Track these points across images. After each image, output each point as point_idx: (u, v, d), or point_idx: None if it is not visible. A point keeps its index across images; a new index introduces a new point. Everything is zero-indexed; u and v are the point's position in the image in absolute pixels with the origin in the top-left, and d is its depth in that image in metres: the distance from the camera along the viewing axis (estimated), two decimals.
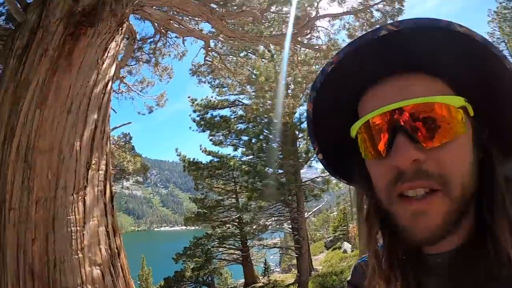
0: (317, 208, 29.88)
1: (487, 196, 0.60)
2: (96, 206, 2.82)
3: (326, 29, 9.29)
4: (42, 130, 2.76)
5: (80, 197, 2.70)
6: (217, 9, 5.85)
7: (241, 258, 21.62)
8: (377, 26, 0.82)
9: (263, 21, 8.04)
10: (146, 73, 10.33)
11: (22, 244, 2.62)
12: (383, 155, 0.60)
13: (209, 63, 10.22)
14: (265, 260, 24.36)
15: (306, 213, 20.76)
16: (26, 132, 2.74)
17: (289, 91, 11.88)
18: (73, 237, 2.63)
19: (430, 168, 0.57)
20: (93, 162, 2.83)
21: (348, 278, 0.85)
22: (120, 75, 9.06)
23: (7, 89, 3.05)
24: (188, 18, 7.23)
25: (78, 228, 2.67)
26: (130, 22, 5.08)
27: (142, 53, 9.35)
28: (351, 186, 0.81)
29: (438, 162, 0.57)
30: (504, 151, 0.63)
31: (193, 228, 25.45)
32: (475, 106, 0.61)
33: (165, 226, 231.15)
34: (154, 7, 5.43)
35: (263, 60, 12.46)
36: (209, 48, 8.95)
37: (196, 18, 7.08)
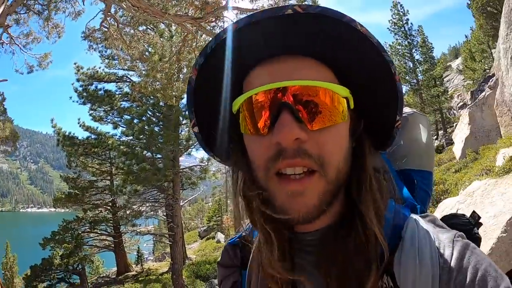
0: (192, 197, 30.33)
1: (356, 181, 0.65)
2: None
3: (232, 21, 9.35)
4: None
5: None
6: None
7: (113, 245, 20.88)
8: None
9: None
10: (34, 27, 9.43)
11: None
12: (265, 132, 0.61)
13: (105, 29, 9.57)
14: (138, 247, 23.87)
15: (181, 201, 20.83)
16: None
17: (181, 75, 11.70)
18: None
19: (310, 148, 0.59)
20: None
21: (218, 259, 0.88)
22: (6, 23, 8.10)
23: None
24: None
25: None
26: None
27: (36, 2, 8.50)
28: (228, 178, 0.75)
29: (318, 144, 0.59)
30: (374, 145, 0.71)
31: (62, 210, 23.47)
32: (356, 100, 0.66)
33: (32, 207, 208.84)
34: None
35: (161, 38, 11.99)
36: (109, 13, 8.43)
37: None
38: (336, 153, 0.62)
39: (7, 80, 8.26)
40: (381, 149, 0.75)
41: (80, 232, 18.72)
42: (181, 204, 20.46)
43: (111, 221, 20.00)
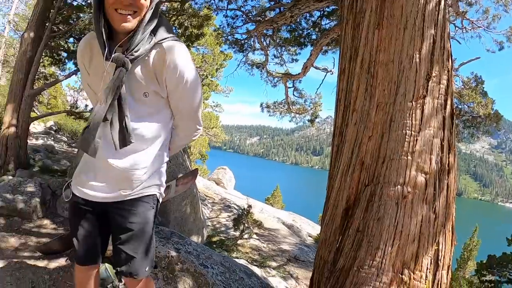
0: None
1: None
2: (434, 117, 2.76)
3: None
4: (381, 46, 2.95)
5: (418, 105, 2.74)
6: None
7: None
8: None
9: None
10: (489, 4, 8.64)
11: (359, 140, 2.92)
12: None
13: None
14: None
15: None
16: (368, 50, 3.04)
17: None
18: (406, 139, 2.68)
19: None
20: (433, 74, 2.81)
21: None
22: (460, 10, 8.26)
23: (347, 21, 3.50)
24: None
25: (412, 132, 2.70)
26: None
27: None
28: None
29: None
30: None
31: None
32: None
33: (511, 202, 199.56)
34: None
35: None
36: None
37: None
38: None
39: (479, 57, 8.43)
40: None
41: None
42: None
43: None
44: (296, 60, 9.55)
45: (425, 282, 2.46)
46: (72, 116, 9.39)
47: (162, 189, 1.83)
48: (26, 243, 3.93)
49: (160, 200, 1.82)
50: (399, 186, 2.65)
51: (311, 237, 10.19)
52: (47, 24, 6.67)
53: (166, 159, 1.81)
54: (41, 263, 3.46)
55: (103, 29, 1.43)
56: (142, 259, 1.76)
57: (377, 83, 3.00)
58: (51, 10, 6.72)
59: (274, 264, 6.44)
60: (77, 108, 9.89)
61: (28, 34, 6.41)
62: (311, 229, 11.52)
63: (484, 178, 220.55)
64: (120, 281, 3.22)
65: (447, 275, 2.63)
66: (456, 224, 2.82)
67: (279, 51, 9.30)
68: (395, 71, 2.93)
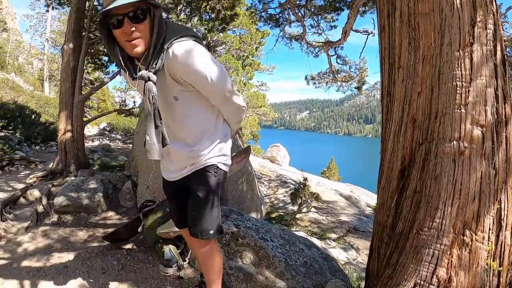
0: None
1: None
2: (485, 65, 2.61)
3: None
4: None
5: (466, 54, 2.61)
6: None
7: None
8: None
9: None
10: None
11: (408, 97, 2.83)
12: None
13: None
14: None
15: None
16: (405, 2, 2.93)
17: None
18: (458, 91, 2.55)
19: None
20: (478, 19, 2.68)
21: None
22: None
23: None
24: None
25: (463, 83, 2.56)
26: None
27: None
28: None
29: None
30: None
31: None
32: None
33: None
34: None
35: None
36: None
37: None
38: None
39: None
40: None
41: None
42: None
43: None
44: (335, 27, 9.32)
45: (488, 243, 2.32)
46: (123, 114, 9.88)
47: (224, 158, 2.07)
48: (93, 234, 4.29)
49: (223, 168, 2.08)
50: (454, 142, 2.54)
51: (369, 207, 10.06)
52: (83, 33, 7.04)
53: (220, 134, 2.05)
54: (109, 251, 3.76)
55: (120, 57, 1.67)
56: (207, 222, 2.03)
57: (419, 36, 2.86)
58: (85, 20, 7.08)
59: (333, 235, 6.43)
60: (125, 106, 10.40)
61: (67, 45, 6.79)
62: (369, 199, 11.37)
63: None
64: (184, 260, 3.41)
65: (511, 236, 2.47)
66: None
67: (316, 20, 9.08)
68: (436, 20, 2.77)
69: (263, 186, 9.22)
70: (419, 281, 2.34)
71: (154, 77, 1.66)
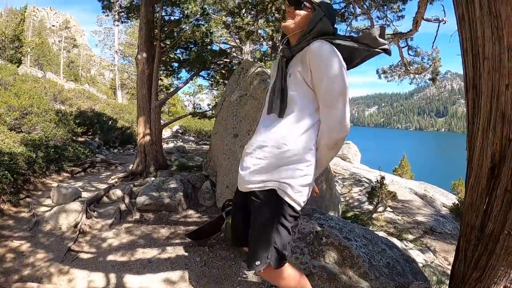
0: None
1: None
2: None
3: None
4: None
5: None
6: None
7: None
8: None
9: None
10: None
11: (496, 90, 2.72)
12: None
13: None
14: None
15: None
16: None
17: None
18: None
19: None
20: None
21: None
22: None
23: None
24: None
25: None
26: None
27: None
28: None
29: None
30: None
31: None
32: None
33: None
34: None
35: None
36: None
37: None
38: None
39: None
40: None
41: None
42: None
43: None
44: (403, 17, 9.07)
45: None
46: (197, 117, 10.39)
47: (288, 189, 1.75)
48: (175, 232, 4.51)
49: (288, 200, 1.75)
50: None
51: (445, 207, 9.54)
52: (154, 43, 7.51)
53: (304, 157, 1.78)
54: (191, 248, 3.97)
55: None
56: (253, 253, 1.77)
57: (502, 24, 2.67)
58: (155, 30, 7.56)
59: (410, 236, 6.23)
60: (200, 108, 10.96)
61: (141, 55, 7.33)
62: (444, 198, 10.79)
63: None
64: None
65: None
66: None
67: (383, 11, 8.85)
68: None
69: (337, 185, 9.16)
70: (509, 285, 2.28)
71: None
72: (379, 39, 1.84)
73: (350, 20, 8.96)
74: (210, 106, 11.80)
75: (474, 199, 2.82)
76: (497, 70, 2.72)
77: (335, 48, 1.77)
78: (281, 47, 1.94)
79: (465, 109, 3.34)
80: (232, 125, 5.19)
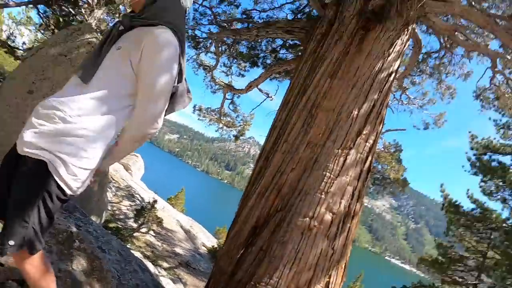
0: None
1: None
2: (353, 168, 2.98)
3: None
4: (329, 94, 3.21)
5: (343, 154, 2.95)
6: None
7: None
8: None
9: None
10: (428, 89, 10.27)
11: (283, 168, 3.12)
12: None
13: (495, 87, 8.64)
14: None
15: None
16: (315, 92, 3.29)
17: None
18: (325, 180, 2.91)
19: None
20: (364, 132, 3.04)
21: None
22: (403, 85, 9.58)
23: (306, 61, 3.88)
24: (473, 31, 7.06)
25: (331, 176, 2.93)
26: (416, 31, 5.72)
27: (426, 66, 9.39)
28: None
29: None
30: None
31: (422, 274, 24.11)
32: None
33: (397, 258, 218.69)
34: (438, 15, 5.31)
35: None
36: (496, 70, 7.80)
37: (481, 30, 6.91)
38: None
39: (405, 129, 9.97)
40: None
41: None
42: None
43: None
44: (243, 76, 9.89)
45: None
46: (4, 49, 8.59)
47: (62, 167, 1.50)
48: None
49: (57, 179, 1.50)
50: (307, 219, 2.98)
51: (205, 247, 10.32)
52: None
53: (95, 139, 1.58)
54: None
55: None
56: (9, 228, 1.50)
57: (314, 124, 3.32)
58: None
59: (165, 264, 6.49)
60: (14, 42, 9.09)
61: None
62: (206, 239, 11.69)
63: (378, 232, 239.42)
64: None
65: None
66: None
67: (230, 61, 9.58)
68: (333, 119, 3.29)
69: (110, 192, 8.86)
70: None
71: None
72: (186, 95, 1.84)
73: (201, 51, 9.33)
74: (25, 46, 10.03)
75: (232, 248, 3.23)
76: (291, 154, 3.26)
77: (178, 43, 1.66)
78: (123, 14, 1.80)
79: (251, 172, 3.88)
80: (34, 78, 4.52)
